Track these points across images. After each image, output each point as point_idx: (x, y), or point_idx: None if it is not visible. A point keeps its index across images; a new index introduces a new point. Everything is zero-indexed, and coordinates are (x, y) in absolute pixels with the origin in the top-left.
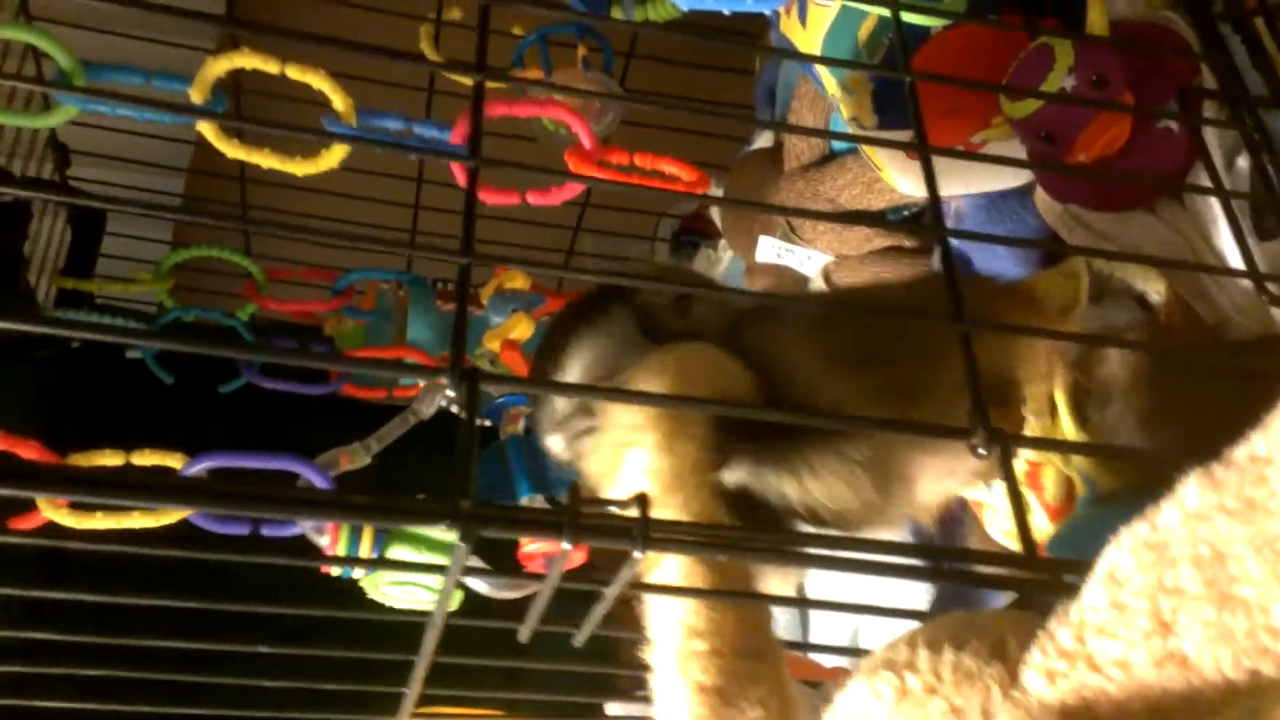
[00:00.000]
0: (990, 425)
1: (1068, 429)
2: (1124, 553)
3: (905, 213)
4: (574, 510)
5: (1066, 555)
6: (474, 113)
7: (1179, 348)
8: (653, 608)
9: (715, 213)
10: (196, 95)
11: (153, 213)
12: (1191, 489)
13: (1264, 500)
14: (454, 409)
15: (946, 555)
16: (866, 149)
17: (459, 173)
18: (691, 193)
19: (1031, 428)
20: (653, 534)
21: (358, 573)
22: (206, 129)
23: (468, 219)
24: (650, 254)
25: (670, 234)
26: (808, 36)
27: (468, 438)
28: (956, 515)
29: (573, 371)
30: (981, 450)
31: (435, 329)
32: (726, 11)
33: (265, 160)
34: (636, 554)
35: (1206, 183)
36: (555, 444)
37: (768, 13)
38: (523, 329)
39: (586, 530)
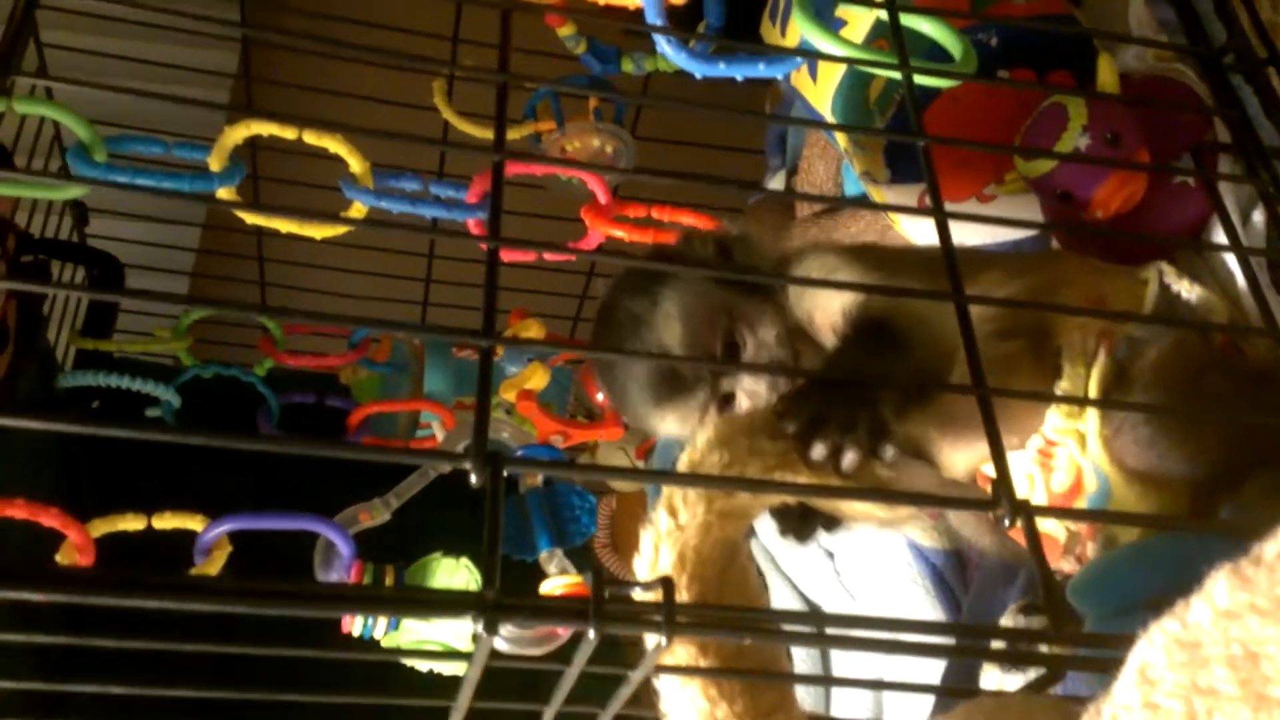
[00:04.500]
0: (1014, 497)
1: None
2: (1156, 650)
3: None
4: (599, 596)
5: (1097, 596)
6: (494, 194)
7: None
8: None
9: None
10: (215, 163)
11: (176, 304)
12: (1221, 586)
13: None
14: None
15: (971, 633)
16: (878, 200)
17: (475, 228)
18: None
19: (1066, 376)
20: (677, 618)
21: (378, 630)
22: (227, 195)
23: (488, 301)
24: None
25: None
26: (819, 91)
27: (493, 525)
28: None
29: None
30: (1005, 521)
31: (451, 379)
32: (739, 78)
33: (284, 226)
34: (661, 640)
35: (1223, 236)
36: None
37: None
38: (539, 379)
39: (612, 618)
